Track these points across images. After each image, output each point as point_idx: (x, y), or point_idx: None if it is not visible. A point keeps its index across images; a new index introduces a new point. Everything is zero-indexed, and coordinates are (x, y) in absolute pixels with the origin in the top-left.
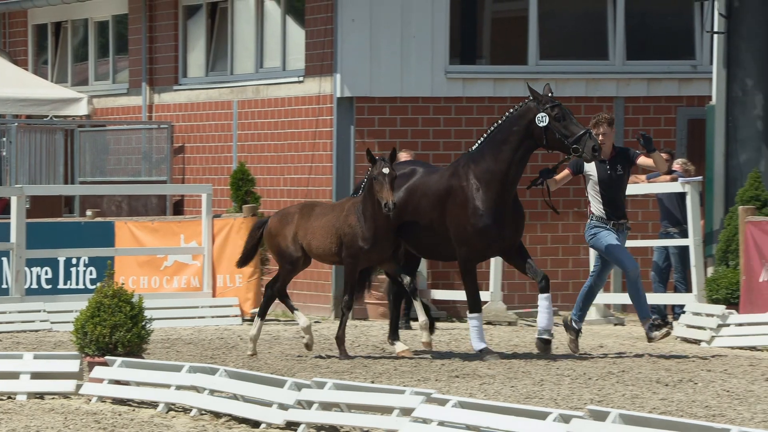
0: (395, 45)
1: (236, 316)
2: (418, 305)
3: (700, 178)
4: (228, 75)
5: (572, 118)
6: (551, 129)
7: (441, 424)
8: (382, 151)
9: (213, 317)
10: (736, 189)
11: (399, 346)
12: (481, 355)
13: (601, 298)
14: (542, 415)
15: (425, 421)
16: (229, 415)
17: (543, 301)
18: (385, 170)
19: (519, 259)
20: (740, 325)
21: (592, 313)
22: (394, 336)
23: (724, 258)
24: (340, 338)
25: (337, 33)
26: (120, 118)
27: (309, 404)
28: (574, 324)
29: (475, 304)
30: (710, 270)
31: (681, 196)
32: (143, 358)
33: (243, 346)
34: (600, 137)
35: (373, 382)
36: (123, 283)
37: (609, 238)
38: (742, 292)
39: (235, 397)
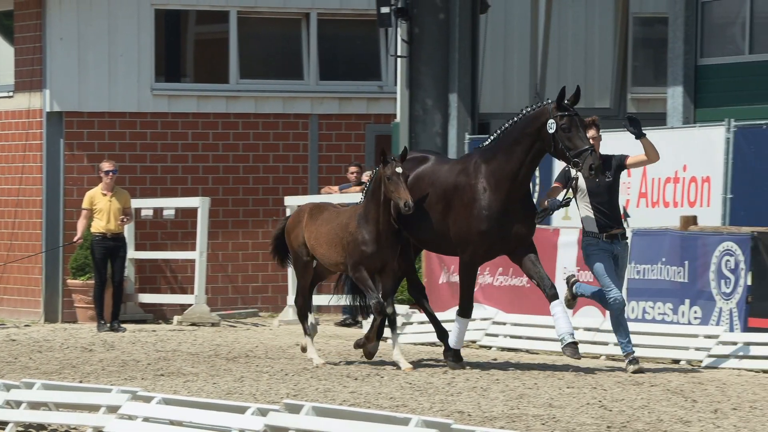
0: (103, 63)
1: None
2: (375, 323)
3: None
4: None
5: (580, 131)
6: (557, 138)
7: (146, 420)
8: (91, 163)
9: None
10: None
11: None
12: (447, 357)
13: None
14: (241, 410)
15: (131, 417)
16: None
17: (555, 308)
18: (399, 170)
19: (528, 262)
20: (422, 323)
21: (289, 313)
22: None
23: None
24: (362, 341)
25: (46, 50)
26: None
27: (18, 404)
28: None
29: (465, 311)
30: None
31: None
32: None
33: None
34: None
35: (81, 382)
36: None
37: (598, 262)
38: None
39: None
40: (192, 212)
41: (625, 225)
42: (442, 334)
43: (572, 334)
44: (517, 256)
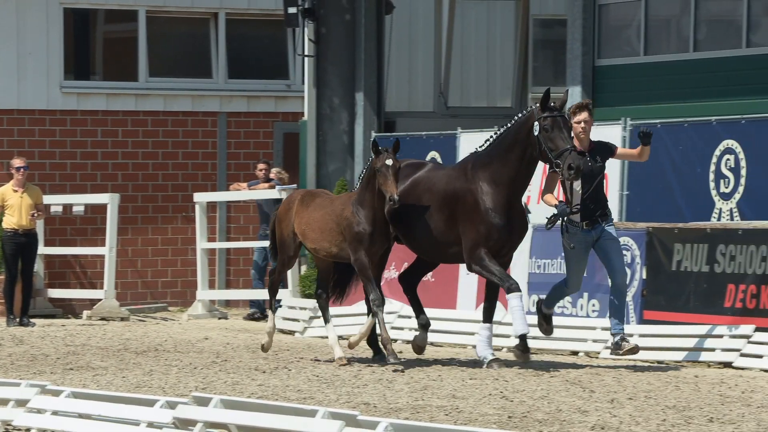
0: (12, 60)
1: None
2: (371, 322)
3: (294, 185)
4: None
5: (562, 131)
6: (540, 140)
7: (55, 413)
8: (1, 160)
9: None
10: None
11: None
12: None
13: (207, 294)
14: (150, 403)
15: (39, 411)
16: None
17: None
18: (389, 162)
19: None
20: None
21: (198, 308)
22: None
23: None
24: (386, 339)
25: None
26: None
27: None
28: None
29: (511, 284)
30: (304, 268)
31: (278, 202)
32: None
33: None
34: (582, 124)
35: None
36: None
37: (570, 255)
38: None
39: None
40: (101, 208)
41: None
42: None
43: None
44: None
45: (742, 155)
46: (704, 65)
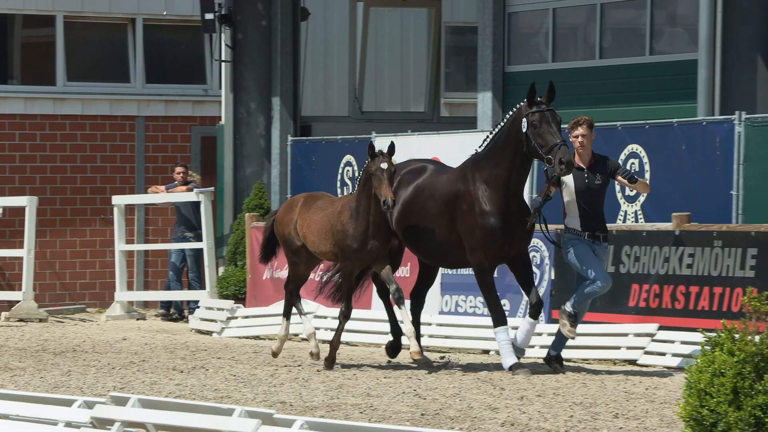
0: None
1: None
2: (404, 313)
3: (212, 189)
4: None
5: (551, 126)
6: (529, 136)
7: None
8: None
9: None
10: (243, 198)
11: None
12: (513, 371)
13: (125, 295)
14: (68, 403)
15: None
16: None
17: (526, 324)
18: (384, 165)
19: (523, 275)
20: (246, 317)
21: (116, 309)
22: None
23: (233, 259)
24: (333, 344)
25: None
26: None
27: None
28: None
29: (499, 318)
30: (221, 269)
31: (196, 204)
32: None
33: None
34: (579, 138)
35: None
36: None
37: (578, 250)
38: (248, 288)
39: None
40: (20, 211)
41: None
42: (398, 333)
43: (522, 351)
44: (514, 266)
45: (646, 159)
46: (610, 72)
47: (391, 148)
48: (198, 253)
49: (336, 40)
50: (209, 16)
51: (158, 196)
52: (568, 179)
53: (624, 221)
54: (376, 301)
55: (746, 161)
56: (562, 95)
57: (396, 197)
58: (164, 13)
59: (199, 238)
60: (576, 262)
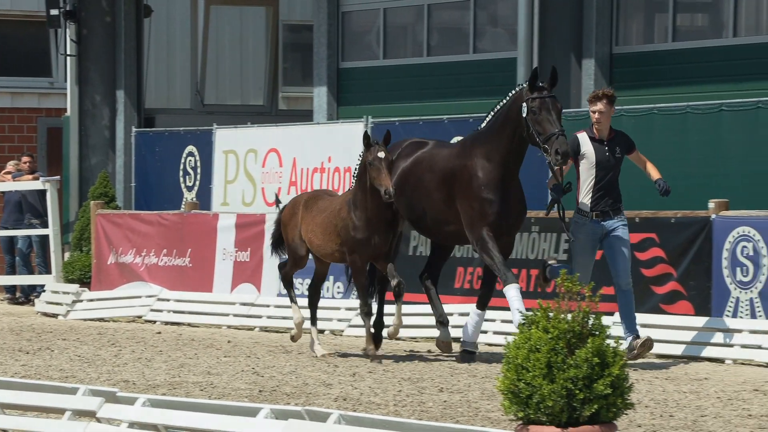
0: None
1: None
2: (397, 309)
3: (58, 177)
4: None
5: (550, 114)
6: (527, 122)
7: None
8: None
9: None
10: (89, 187)
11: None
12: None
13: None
14: None
15: None
16: None
17: (474, 316)
18: (381, 155)
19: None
20: (91, 300)
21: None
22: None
23: (79, 245)
24: (373, 344)
25: None
26: None
27: None
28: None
29: (509, 277)
30: (67, 255)
31: (42, 193)
32: None
33: None
34: (596, 114)
35: None
36: None
37: (581, 249)
38: (93, 273)
39: None
40: None
41: (611, 206)
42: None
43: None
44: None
45: None
46: (437, 68)
47: (387, 137)
48: (44, 239)
49: (178, 36)
50: (54, 12)
51: (5, 184)
52: (589, 151)
53: None
54: (218, 284)
55: None
56: (393, 90)
57: (395, 167)
58: (9, 8)
59: (45, 225)
60: (573, 254)
